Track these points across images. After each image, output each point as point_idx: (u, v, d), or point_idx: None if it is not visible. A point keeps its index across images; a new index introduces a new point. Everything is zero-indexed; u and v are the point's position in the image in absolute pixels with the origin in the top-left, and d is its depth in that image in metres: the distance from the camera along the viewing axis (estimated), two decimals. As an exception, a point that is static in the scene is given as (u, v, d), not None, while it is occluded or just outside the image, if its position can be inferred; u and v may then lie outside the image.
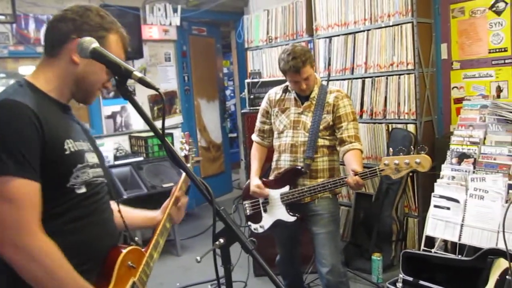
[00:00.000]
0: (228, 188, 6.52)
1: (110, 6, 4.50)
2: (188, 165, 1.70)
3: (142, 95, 5.22)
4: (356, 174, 2.33)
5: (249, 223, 2.83)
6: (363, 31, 3.77)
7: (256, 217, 2.76)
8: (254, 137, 2.88)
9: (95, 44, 1.16)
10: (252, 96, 3.48)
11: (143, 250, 1.40)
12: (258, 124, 2.86)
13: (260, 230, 2.76)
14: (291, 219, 2.61)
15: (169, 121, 5.35)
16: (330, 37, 4.02)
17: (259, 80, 3.51)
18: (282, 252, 2.92)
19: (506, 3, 3.29)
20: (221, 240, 1.10)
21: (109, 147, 4.67)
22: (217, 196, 6.32)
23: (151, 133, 5.06)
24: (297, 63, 2.47)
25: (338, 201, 2.82)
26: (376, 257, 3.41)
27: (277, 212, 2.65)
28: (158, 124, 1.15)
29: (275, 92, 2.77)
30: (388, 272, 3.51)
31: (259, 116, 2.85)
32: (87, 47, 1.15)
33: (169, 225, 1.56)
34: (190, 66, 5.87)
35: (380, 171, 2.29)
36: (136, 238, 1.43)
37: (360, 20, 3.78)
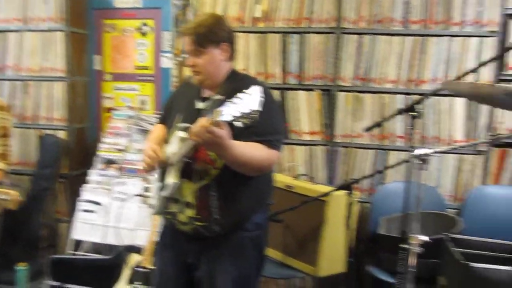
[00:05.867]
0: None
1: None
2: None
3: None
4: None
5: None
6: (15, 31, 3.61)
7: None
8: None
9: None
10: None
11: None
12: None
13: None
14: None
15: None
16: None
17: None
18: None
19: (150, 27, 3.74)
20: None
21: None
22: None
23: None
24: None
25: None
26: (21, 267, 3.30)
27: None
28: None
29: None
30: (39, 280, 3.44)
31: None
32: None
33: None
34: None
35: None
36: None
37: (13, 19, 3.61)
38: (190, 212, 1.76)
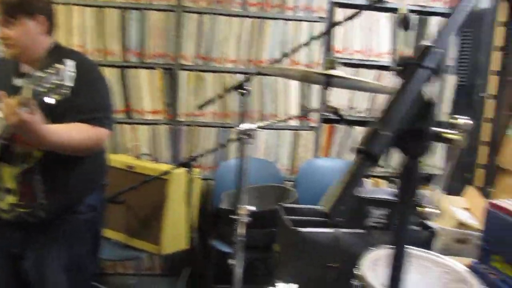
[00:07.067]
0: None
1: None
2: None
3: None
4: None
5: None
6: None
7: None
8: None
9: None
10: None
11: None
12: None
13: None
14: None
15: None
16: None
17: None
18: None
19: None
20: None
21: None
22: None
23: None
24: None
25: None
26: None
27: None
28: None
29: None
30: None
31: None
32: None
33: None
34: None
35: None
36: None
37: None
38: (11, 199, 1.63)
